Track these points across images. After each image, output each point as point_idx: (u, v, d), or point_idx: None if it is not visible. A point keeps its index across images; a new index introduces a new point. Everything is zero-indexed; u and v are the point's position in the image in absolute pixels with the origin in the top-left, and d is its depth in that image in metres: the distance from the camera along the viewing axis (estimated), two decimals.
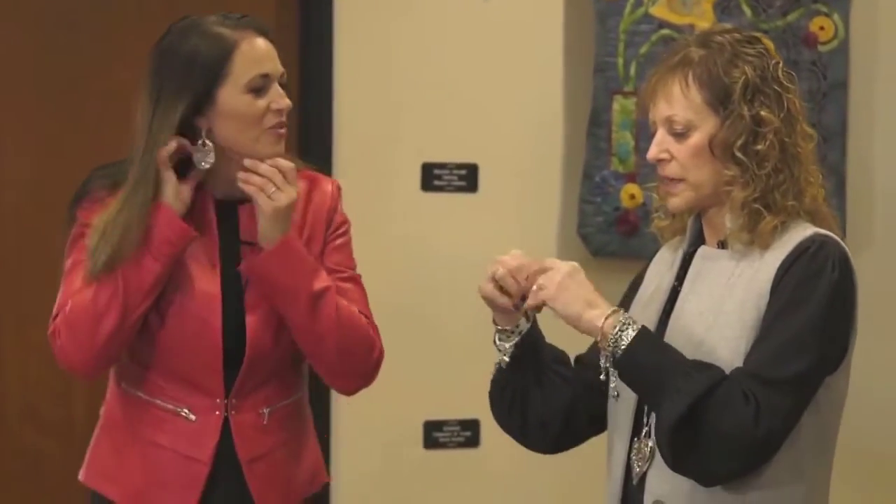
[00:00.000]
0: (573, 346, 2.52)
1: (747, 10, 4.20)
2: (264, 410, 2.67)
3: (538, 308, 2.38)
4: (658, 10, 4.14)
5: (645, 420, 2.38)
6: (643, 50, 4.12)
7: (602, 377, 2.37)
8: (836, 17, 4.24)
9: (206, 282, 2.62)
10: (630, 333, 2.29)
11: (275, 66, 2.63)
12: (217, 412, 2.64)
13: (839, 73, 4.26)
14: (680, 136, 2.35)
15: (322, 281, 2.62)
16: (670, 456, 2.27)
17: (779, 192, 2.34)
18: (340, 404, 3.96)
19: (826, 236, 2.34)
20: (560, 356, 2.53)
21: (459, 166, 4.08)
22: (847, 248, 2.35)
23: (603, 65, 4.11)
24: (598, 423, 2.51)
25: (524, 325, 2.46)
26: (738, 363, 2.28)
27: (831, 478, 2.40)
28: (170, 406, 2.64)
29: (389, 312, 3.99)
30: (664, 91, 2.36)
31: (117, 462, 2.67)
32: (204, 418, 2.64)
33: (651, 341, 2.31)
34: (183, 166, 2.62)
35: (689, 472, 2.28)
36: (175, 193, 2.58)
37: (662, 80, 2.37)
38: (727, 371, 2.27)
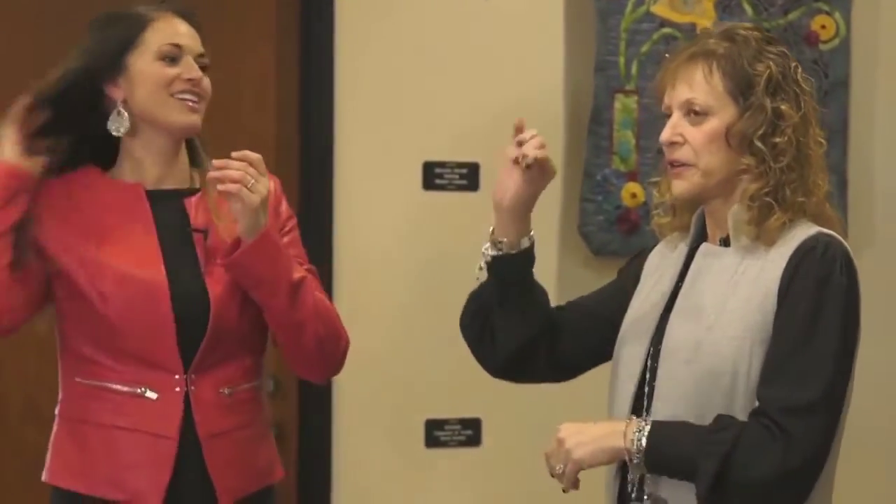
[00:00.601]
0: None
1: (748, 9, 4.19)
2: (224, 390, 2.69)
3: (575, 486, 2.37)
4: (659, 9, 4.14)
5: (643, 411, 2.38)
6: (644, 48, 4.12)
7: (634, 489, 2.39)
8: (837, 15, 4.24)
9: (148, 266, 2.64)
10: (643, 439, 2.29)
11: (191, 42, 2.70)
12: (178, 388, 2.65)
13: (840, 71, 4.26)
14: (697, 120, 2.36)
15: (298, 271, 2.68)
16: None
17: (789, 188, 2.35)
18: (342, 402, 3.96)
19: (830, 236, 2.34)
20: (539, 294, 2.56)
21: (461, 165, 4.07)
22: (849, 248, 2.35)
23: (604, 63, 4.10)
24: (557, 370, 2.58)
25: (510, 247, 2.49)
26: (741, 362, 2.29)
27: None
28: (125, 388, 2.65)
29: (390, 311, 4.01)
30: (686, 75, 2.37)
31: (81, 455, 2.67)
32: (165, 395, 2.65)
33: (663, 432, 2.30)
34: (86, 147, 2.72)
35: None
36: (13, 150, 2.64)
37: (684, 65, 2.38)
38: (729, 369, 2.28)
